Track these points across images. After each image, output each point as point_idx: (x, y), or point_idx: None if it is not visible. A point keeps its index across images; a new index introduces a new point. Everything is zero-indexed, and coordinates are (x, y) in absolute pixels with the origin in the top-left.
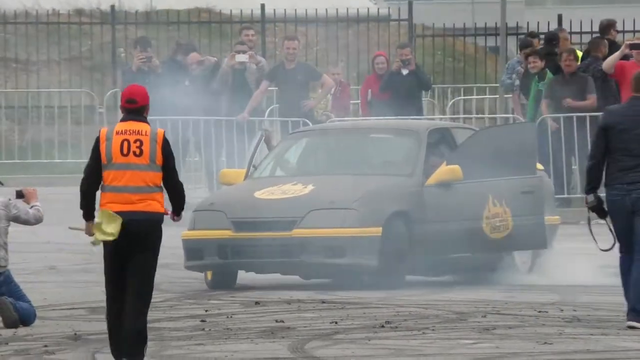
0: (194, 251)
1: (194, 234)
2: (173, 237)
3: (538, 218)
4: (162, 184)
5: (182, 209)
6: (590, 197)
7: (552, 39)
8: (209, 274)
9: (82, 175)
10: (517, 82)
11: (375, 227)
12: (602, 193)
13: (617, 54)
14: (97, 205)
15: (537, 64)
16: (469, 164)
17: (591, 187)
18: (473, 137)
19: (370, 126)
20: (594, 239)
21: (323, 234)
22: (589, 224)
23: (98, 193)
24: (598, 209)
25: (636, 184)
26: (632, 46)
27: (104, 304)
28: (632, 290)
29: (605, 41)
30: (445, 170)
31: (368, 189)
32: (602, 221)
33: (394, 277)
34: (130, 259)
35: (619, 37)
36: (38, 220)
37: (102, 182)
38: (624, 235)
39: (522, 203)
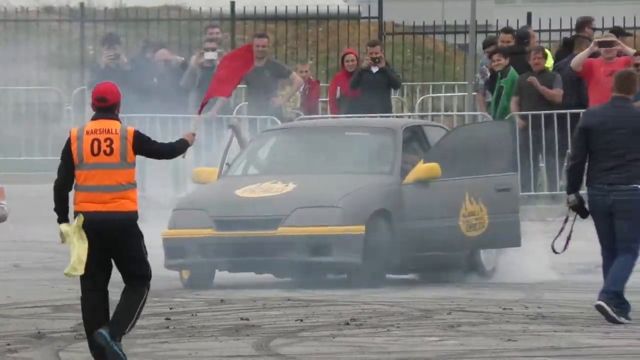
0: (174, 250)
1: (174, 233)
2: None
3: (513, 216)
4: (135, 180)
5: (178, 148)
6: (572, 197)
7: (523, 37)
8: (185, 273)
9: (49, 173)
10: (482, 82)
11: (359, 225)
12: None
13: (585, 52)
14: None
15: (501, 61)
16: (446, 162)
17: (573, 187)
18: (449, 134)
19: (346, 124)
20: (555, 238)
21: (309, 232)
22: (564, 222)
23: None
24: (580, 208)
25: (616, 185)
26: (601, 44)
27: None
28: (610, 274)
29: (589, 40)
30: (424, 168)
31: (352, 187)
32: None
33: (376, 276)
34: (116, 256)
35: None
36: (1, 219)
37: (75, 182)
38: (605, 236)
39: (497, 201)
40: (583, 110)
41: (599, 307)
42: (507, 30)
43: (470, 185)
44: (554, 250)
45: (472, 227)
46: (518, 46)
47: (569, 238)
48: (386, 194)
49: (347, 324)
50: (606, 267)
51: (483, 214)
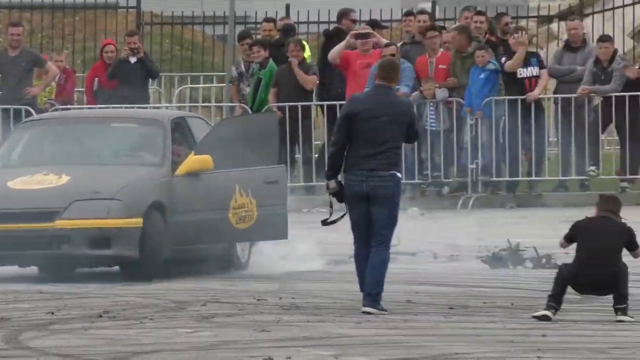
0: None
1: None
2: None
3: (281, 208)
4: None
5: None
6: (332, 183)
7: (289, 29)
8: None
9: None
10: (235, 74)
11: (137, 217)
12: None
13: (342, 44)
14: None
15: (260, 53)
16: (216, 154)
17: (332, 172)
18: (218, 126)
19: (112, 115)
20: (329, 215)
21: (88, 225)
22: (330, 207)
23: None
24: (339, 194)
25: (375, 171)
26: (357, 36)
27: None
28: (368, 275)
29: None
30: (196, 160)
31: (127, 179)
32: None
33: (153, 269)
34: None
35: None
36: None
37: None
38: (360, 224)
39: (266, 193)
40: (340, 102)
41: (366, 313)
42: (269, 19)
43: (240, 178)
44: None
45: (242, 220)
46: (283, 39)
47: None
48: (160, 186)
49: (100, 316)
50: (358, 257)
51: (252, 206)
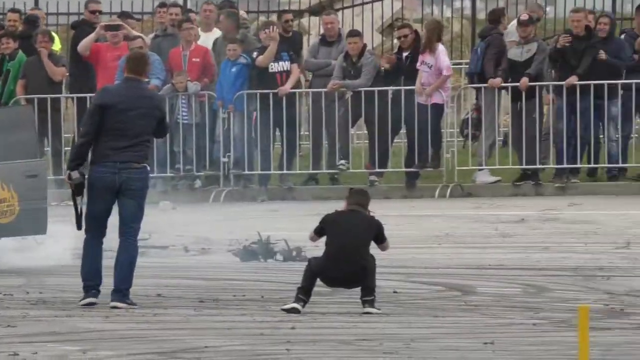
0: None
1: None
2: None
3: (41, 203)
4: None
5: None
6: (76, 174)
7: (33, 20)
8: None
9: None
10: None
11: None
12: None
13: (92, 36)
14: None
15: (9, 45)
16: None
17: (77, 163)
18: None
19: None
20: (78, 218)
21: None
22: (74, 201)
23: None
24: (80, 186)
25: (127, 163)
26: (107, 28)
27: None
28: (116, 270)
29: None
30: None
31: None
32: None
33: None
34: None
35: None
36: None
37: None
38: (101, 216)
39: (27, 187)
40: (90, 95)
41: (115, 308)
42: (14, 10)
43: (1, 171)
44: (78, 228)
45: (3, 215)
46: (29, 30)
47: (81, 214)
48: None
49: None
50: (89, 245)
51: (14, 200)
